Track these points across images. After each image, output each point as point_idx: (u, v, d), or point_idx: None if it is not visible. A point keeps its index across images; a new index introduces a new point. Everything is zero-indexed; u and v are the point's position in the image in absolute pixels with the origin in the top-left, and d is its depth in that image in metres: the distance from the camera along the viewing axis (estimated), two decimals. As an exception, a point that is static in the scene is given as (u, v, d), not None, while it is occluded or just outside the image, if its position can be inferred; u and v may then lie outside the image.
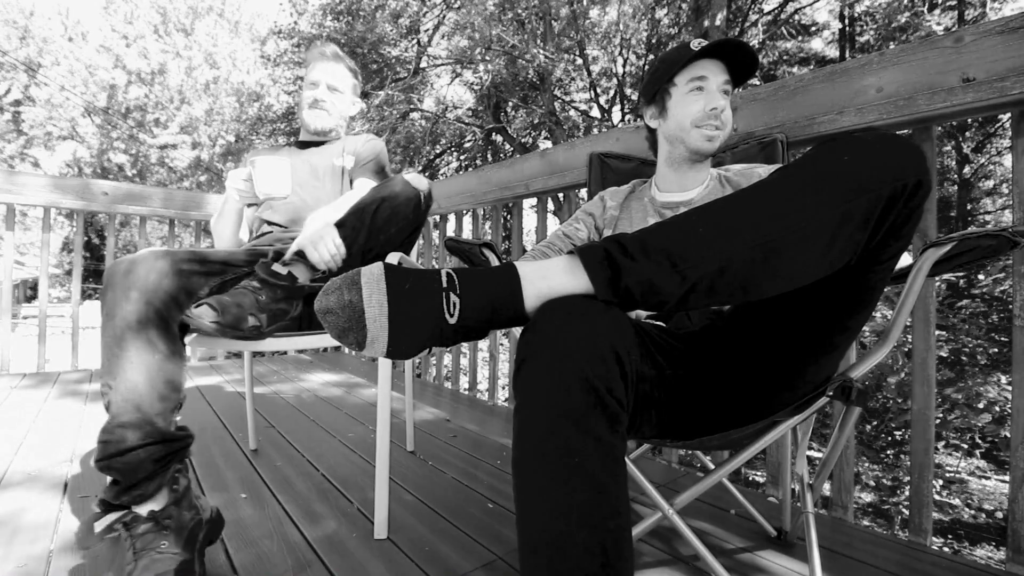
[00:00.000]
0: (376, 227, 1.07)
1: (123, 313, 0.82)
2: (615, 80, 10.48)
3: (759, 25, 9.11)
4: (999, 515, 4.97)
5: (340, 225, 1.06)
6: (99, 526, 0.76)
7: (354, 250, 1.05)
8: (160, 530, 0.77)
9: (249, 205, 1.40)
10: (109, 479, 0.79)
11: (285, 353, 3.60)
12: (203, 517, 0.86)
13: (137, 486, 0.78)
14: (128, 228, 20.50)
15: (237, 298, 0.91)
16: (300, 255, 1.02)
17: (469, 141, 11.67)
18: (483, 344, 2.67)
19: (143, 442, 0.78)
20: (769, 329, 0.63)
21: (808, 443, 0.98)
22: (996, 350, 5.51)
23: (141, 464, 0.77)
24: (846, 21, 9.43)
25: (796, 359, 0.63)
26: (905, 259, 0.76)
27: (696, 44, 0.94)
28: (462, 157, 11.89)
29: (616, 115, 10.96)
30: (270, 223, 1.34)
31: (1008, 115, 1.04)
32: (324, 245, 1.02)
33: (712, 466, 1.18)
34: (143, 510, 0.78)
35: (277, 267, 0.98)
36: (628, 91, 10.34)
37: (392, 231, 1.10)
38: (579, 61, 10.03)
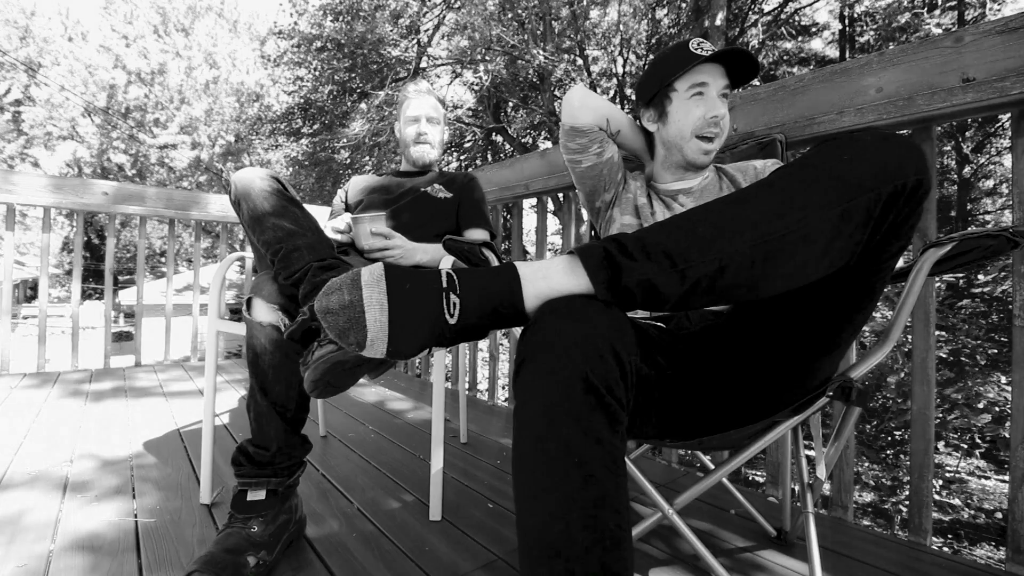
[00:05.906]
0: None
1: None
2: (615, 80, 10.48)
3: (759, 25, 9.12)
4: (999, 515, 4.97)
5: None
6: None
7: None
8: (255, 515, 0.91)
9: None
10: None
11: (285, 353, 3.58)
12: (293, 517, 0.97)
13: (251, 475, 0.95)
14: (128, 228, 20.54)
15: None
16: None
17: (469, 141, 11.68)
18: (483, 344, 2.67)
19: (273, 456, 0.95)
20: (769, 329, 0.63)
21: (811, 443, 0.98)
22: (996, 350, 5.51)
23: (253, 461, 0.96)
24: (846, 21, 9.44)
25: (796, 359, 0.62)
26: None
27: (695, 45, 0.93)
28: (462, 157, 11.89)
29: (616, 115, 10.92)
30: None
31: (1008, 115, 1.04)
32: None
33: (712, 466, 1.18)
34: (254, 495, 0.94)
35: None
36: (628, 91, 10.34)
37: None
38: (579, 61, 10.04)
